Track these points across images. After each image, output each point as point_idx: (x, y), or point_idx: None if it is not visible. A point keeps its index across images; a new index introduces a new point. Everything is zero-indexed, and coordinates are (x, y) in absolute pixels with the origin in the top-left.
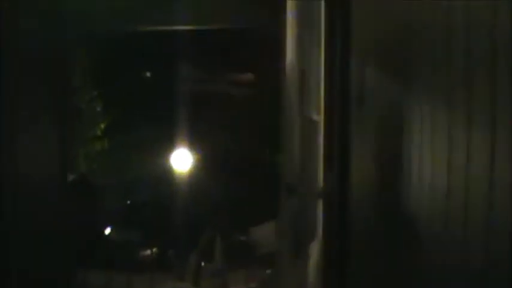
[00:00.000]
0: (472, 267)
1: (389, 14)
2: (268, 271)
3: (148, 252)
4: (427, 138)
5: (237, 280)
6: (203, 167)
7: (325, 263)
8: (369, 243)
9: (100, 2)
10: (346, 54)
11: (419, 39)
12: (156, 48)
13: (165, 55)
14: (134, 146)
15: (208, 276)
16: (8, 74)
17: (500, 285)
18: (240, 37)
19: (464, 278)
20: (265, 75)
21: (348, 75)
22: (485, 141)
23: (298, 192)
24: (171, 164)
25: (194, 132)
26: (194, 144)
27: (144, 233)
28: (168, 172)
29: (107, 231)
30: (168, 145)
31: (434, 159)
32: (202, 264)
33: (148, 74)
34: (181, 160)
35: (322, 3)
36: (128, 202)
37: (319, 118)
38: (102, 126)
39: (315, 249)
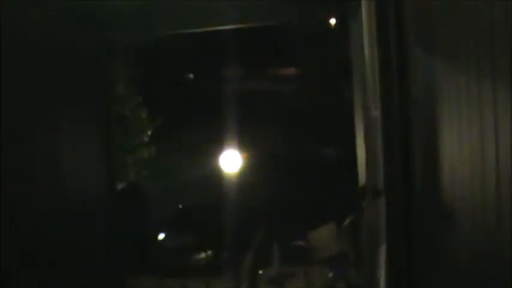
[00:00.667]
0: None
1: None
2: (330, 274)
3: (202, 256)
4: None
5: (296, 286)
6: (255, 168)
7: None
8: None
9: (142, 8)
10: (401, 48)
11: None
12: (199, 50)
13: (209, 56)
14: (183, 150)
15: (266, 283)
16: (49, 84)
17: None
18: (288, 33)
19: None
20: (317, 71)
21: (405, 70)
22: None
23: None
24: (222, 166)
25: (244, 132)
26: (244, 145)
27: (197, 237)
28: (218, 174)
29: (160, 236)
30: (218, 147)
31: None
32: (260, 271)
33: (192, 76)
34: (232, 162)
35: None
36: (180, 206)
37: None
38: (149, 132)
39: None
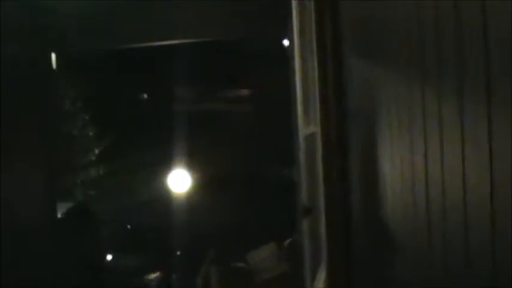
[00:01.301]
0: None
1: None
2: None
3: (152, 277)
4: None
5: None
6: (202, 188)
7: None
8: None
9: (88, 22)
10: (337, 59)
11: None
12: (149, 67)
13: (159, 74)
14: (131, 169)
15: None
16: None
17: None
18: (235, 50)
19: None
20: (263, 90)
21: (342, 83)
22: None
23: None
24: (171, 186)
25: (191, 153)
26: (192, 166)
27: (147, 258)
28: (167, 194)
29: (108, 257)
30: (167, 167)
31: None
32: None
33: (141, 95)
34: (181, 182)
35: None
36: (128, 227)
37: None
38: (97, 151)
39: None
